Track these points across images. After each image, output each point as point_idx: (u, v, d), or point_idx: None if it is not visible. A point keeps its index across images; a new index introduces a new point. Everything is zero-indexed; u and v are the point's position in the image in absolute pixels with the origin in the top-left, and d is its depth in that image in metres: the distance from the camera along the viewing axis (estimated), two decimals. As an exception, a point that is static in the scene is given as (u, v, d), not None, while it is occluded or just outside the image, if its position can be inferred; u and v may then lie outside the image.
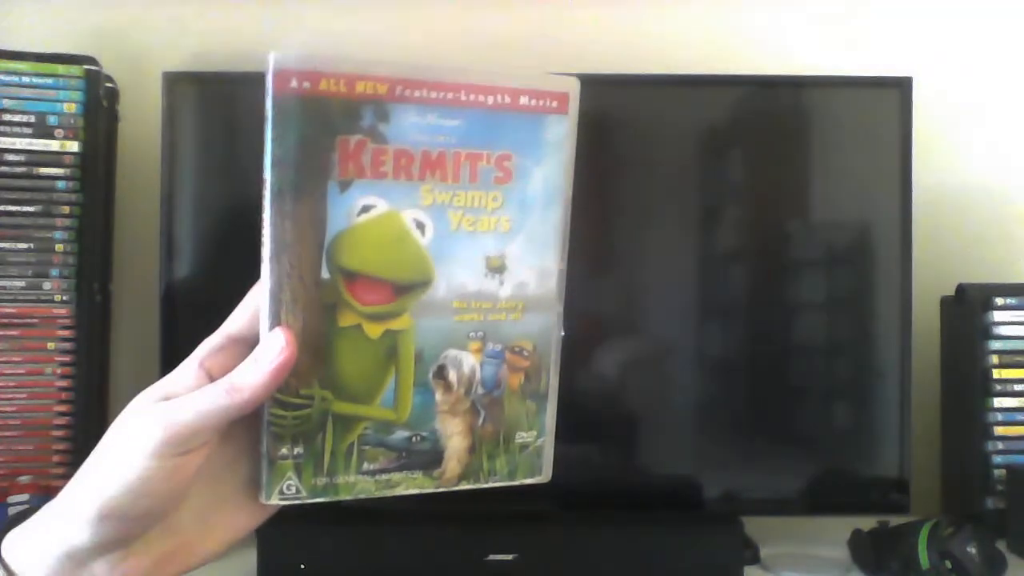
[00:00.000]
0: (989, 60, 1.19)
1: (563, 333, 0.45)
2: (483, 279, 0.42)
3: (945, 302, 1.10)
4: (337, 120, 0.39)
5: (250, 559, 0.88)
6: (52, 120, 0.97)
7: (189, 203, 0.96)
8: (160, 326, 0.94)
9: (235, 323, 0.42)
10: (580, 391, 0.98)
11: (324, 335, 0.40)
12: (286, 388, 0.40)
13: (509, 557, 0.89)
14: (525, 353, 0.44)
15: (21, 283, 0.96)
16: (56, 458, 0.95)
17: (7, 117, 0.96)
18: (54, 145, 0.97)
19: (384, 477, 0.43)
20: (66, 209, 0.97)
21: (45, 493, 0.92)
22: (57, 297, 0.97)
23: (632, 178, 0.99)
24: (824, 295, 0.99)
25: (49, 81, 0.97)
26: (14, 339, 0.96)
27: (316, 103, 0.38)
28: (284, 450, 0.40)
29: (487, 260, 0.42)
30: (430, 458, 0.43)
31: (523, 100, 0.42)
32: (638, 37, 1.17)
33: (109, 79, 1.03)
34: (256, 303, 0.41)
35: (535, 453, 0.45)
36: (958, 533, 0.86)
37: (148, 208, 1.00)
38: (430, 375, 0.42)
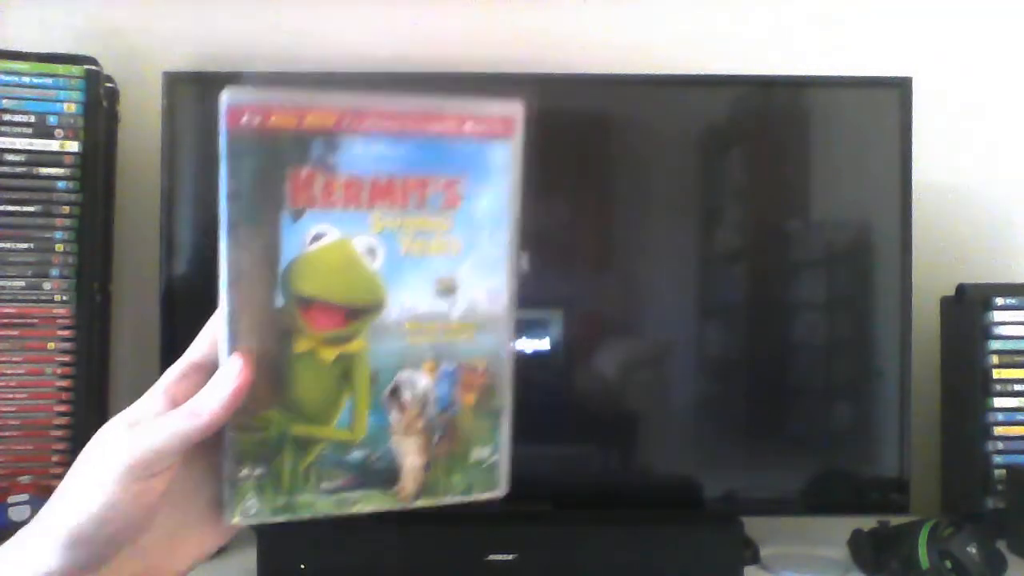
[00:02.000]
0: (989, 60, 1.19)
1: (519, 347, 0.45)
2: (435, 301, 0.43)
3: (945, 302, 1.10)
4: (288, 152, 0.40)
5: (250, 559, 0.88)
6: (52, 120, 0.97)
7: (189, 203, 0.96)
8: (160, 326, 0.94)
9: (197, 350, 0.44)
10: (580, 391, 0.98)
11: (281, 360, 0.42)
12: (245, 412, 0.41)
13: (509, 557, 0.89)
14: (478, 371, 0.45)
15: (21, 283, 0.96)
16: (56, 458, 0.95)
17: (7, 117, 0.96)
18: (54, 145, 0.97)
19: (342, 495, 0.44)
20: (66, 209, 0.97)
21: (45, 493, 0.92)
22: (57, 297, 0.97)
23: (632, 178, 0.99)
24: (824, 295, 0.99)
25: (49, 81, 0.97)
26: (14, 339, 0.96)
27: (267, 137, 0.40)
28: (244, 471, 0.42)
29: (438, 282, 0.43)
30: (387, 476, 0.44)
31: (468, 127, 0.43)
32: (638, 37, 1.17)
33: (109, 79, 1.03)
34: (216, 330, 0.42)
35: (490, 468, 0.46)
36: (958, 533, 0.86)
37: (148, 208, 1.00)
38: (385, 396, 0.43)
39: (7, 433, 0.95)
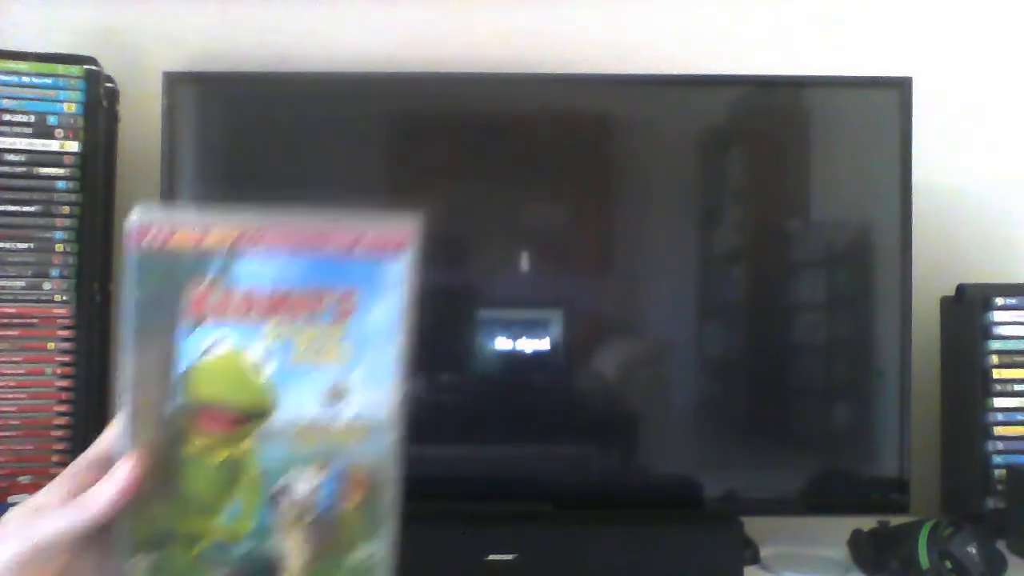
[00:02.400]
0: (989, 60, 1.19)
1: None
2: (324, 406, 0.45)
3: (945, 302, 1.10)
4: (188, 269, 0.43)
5: (250, 559, 0.88)
6: (52, 120, 0.97)
7: (189, 203, 0.96)
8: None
9: (104, 443, 0.46)
10: (580, 391, 0.98)
11: (172, 459, 0.45)
12: (136, 505, 0.44)
13: (509, 557, 0.89)
14: (365, 473, 0.47)
15: (21, 283, 0.96)
16: (56, 458, 0.95)
17: (7, 117, 0.96)
18: (54, 145, 0.97)
19: None
20: (66, 209, 0.97)
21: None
22: (57, 297, 0.97)
23: (632, 178, 0.99)
24: (824, 295, 0.99)
25: (49, 81, 0.97)
26: (14, 339, 0.96)
27: (170, 254, 0.43)
28: (135, 559, 0.45)
29: (329, 389, 0.45)
30: (270, 571, 0.46)
31: (363, 244, 0.45)
32: (638, 37, 1.17)
33: (109, 79, 1.03)
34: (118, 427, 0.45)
35: (374, 566, 0.48)
36: (958, 533, 0.86)
37: (148, 208, 1.00)
38: (271, 495, 0.46)
39: (7, 433, 0.95)
